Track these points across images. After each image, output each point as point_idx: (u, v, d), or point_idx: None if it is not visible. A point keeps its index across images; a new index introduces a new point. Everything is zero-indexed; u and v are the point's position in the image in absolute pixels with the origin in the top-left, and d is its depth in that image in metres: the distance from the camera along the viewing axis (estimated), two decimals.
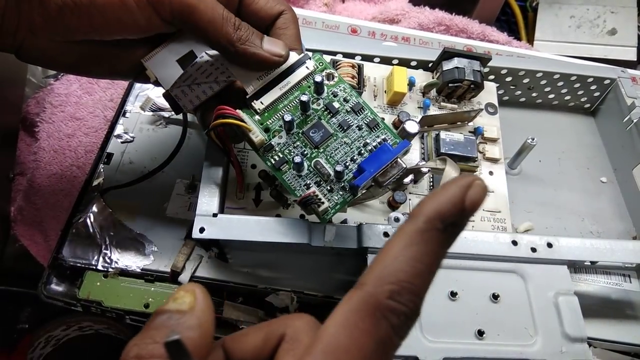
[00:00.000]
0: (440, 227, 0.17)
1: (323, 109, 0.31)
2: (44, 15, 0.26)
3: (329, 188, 0.30)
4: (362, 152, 0.31)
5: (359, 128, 0.31)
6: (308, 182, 0.30)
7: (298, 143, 0.31)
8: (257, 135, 0.30)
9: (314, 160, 0.30)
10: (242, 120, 0.30)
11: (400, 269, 0.17)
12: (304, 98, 0.30)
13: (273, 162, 0.30)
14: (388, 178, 0.29)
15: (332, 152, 0.31)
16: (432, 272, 0.17)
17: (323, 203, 0.29)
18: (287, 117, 0.30)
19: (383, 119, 0.32)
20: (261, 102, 0.31)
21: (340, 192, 0.30)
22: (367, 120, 0.31)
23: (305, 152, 0.30)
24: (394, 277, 0.17)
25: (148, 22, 0.27)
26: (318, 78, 0.31)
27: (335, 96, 0.32)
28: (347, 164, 0.30)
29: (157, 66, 0.31)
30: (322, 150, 0.31)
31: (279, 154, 0.30)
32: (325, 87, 0.31)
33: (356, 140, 0.31)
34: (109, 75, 0.34)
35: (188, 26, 0.29)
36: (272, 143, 0.31)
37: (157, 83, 0.31)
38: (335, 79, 0.32)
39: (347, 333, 0.16)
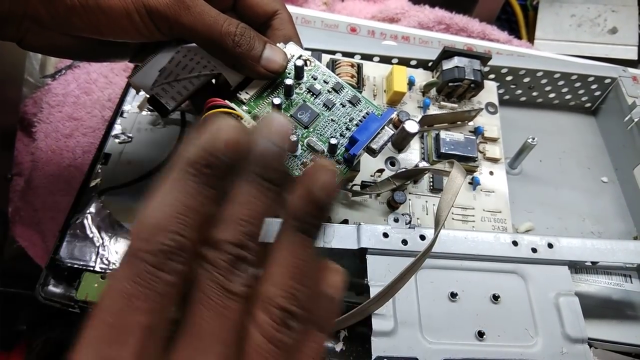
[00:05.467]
0: (191, 171, 0.18)
1: (306, 91, 0.33)
2: (52, 13, 0.26)
3: None
4: (350, 126, 0.32)
5: (343, 105, 0.33)
6: (304, 160, 0.31)
7: None
8: (249, 122, 0.31)
9: (306, 140, 0.31)
10: (233, 109, 0.31)
11: (150, 215, 0.17)
12: (289, 82, 0.31)
13: None
14: (380, 145, 0.31)
15: (321, 131, 0.32)
16: (189, 210, 0.17)
17: None
18: (276, 101, 0.31)
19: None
20: (246, 92, 0.32)
21: (337, 166, 0.31)
22: (349, 97, 0.33)
23: (297, 133, 0.31)
24: (143, 223, 0.17)
25: (150, 33, 0.29)
26: (299, 62, 0.32)
27: (315, 79, 0.33)
28: (338, 138, 0.32)
29: (141, 80, 0.31)
30: (312, 129, 0.32)
31: None
32: (304, 72, 0.33)
33: (342, 117, 0.32)
34: (107, 60, 0.35)
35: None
36: None
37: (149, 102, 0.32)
38: (313, 64, 0.33)
39: (108, 285, 0.17)
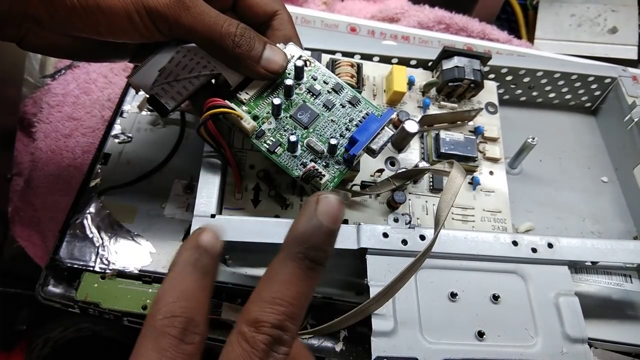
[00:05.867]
0: (191, 264, 0.20)
1: (306, 92, 0.33)
2: (52, 14, 0.26)
3: (324, 164, 0.31)
4: (349, 127, 0.32)
5: (342, 106, 0.33)
6: (304, 160, 0.31)
7: (288, 126, 0.32)
8: (249, 122, 0.31)
9: (306, 140, 0.32)
10: (232, 109, 0.30)
11: (164, 297, 0.20)
12: (289, 82, 0.31)
13: (267, 146, 0.31)
14: (379, 145, 0.31)
15: (321, 131, 0.32)
16: (199, 293, 0.20)
17: (324, 176, 0.31)
18: (276, 101, 0.31)
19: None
20: (246, 93, 0.32)
21: (336, 166, 0.31)
22: (349, 97, 0.33)
23: (297, 134, 0.31)
24: (162, 302, 0.20)
25: (150, 34, 0.29)
26: (299, 63, 0.32)
27: (315, 79, 0.33)
28: (338, 139, 0.32)
29: (141, 79, 0.31)
30: (311, 130, 0.32)
31: (272, 138, 0.31)
32: (304, 72, 0.33)
33: (342, 117, 0.32)
34: (107, 60, 0.35)
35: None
36: (263, 129, 0.32)
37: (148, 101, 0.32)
38: (312, 64, 0.33)
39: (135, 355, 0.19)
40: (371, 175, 0.38)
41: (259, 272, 0.35)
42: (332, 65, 0.39)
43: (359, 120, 0.32)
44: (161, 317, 0.19)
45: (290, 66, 0.32)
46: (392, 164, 0.39)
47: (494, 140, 0.41)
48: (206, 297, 0.20)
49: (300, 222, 0.20)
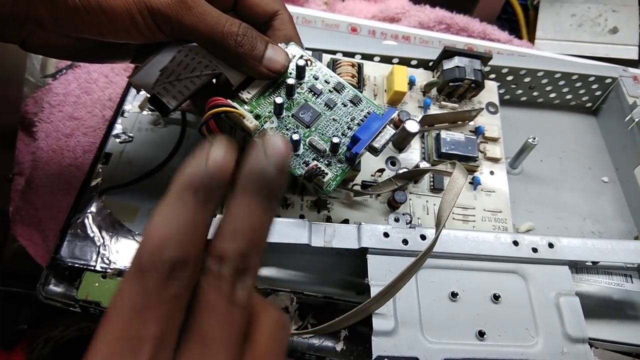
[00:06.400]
0: (190, 190, 0.19)
1: (307, 91, 0.33)
2: (54, 15, 0.26)
3: (326, 162, 0.31)
4: (351, 126, 0.32)
5: (344, 105, 0.33)
6: (306, 159, 0.31)
7: (290, 125, 0.32)
8: (252, 121, 0.31)
9: (308, 139, 0.32)
10: (235, 107, 0.30)
11: (155, 232, 0.18)
12: (290, 81, 0.31)
13: None
14: (382, 144, 0.31)
15: (323, 130, 0.32)
16: (191, 226, 0.18)
17: (327, 174, 0.31)
18: (279, 100, 0.31)
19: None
20: (248, 92, 0.32)
21: (339, 165, 0.31)
22: (350, 96, 0.33)
23: (299, 132, 0.32)
24: (149, 240, 0.18)
25: (152, 34, 0.29)
26: (301, 62, 0.32)
27: (316, 79, 0.33)
28: (340, 137, 0.32)
29: (142, 79, 0.31)
30: (313, 129, 0.32)
31: None
32: (306, 72, 0.33)
33: (344, 116, 0.32)
34: (109, 61, 0.35)
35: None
36: (266, 128, 0.32)
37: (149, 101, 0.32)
38: (314, 64, 0.33)
39: (115, 299, 0.18)
40: (372, 175, 0.38)
41: (260, 271, 0.35)
42: (333, 65, 0.39)
43: (361, 119, 0.32)
44: (148, 255, 0.18)
45: (292, 65, 0.32)
46: (393, 164, 0.39)
47: (494, 140, 0.41)
48: (203, 231, 0.19)
49: (250, 160, 0.19)
